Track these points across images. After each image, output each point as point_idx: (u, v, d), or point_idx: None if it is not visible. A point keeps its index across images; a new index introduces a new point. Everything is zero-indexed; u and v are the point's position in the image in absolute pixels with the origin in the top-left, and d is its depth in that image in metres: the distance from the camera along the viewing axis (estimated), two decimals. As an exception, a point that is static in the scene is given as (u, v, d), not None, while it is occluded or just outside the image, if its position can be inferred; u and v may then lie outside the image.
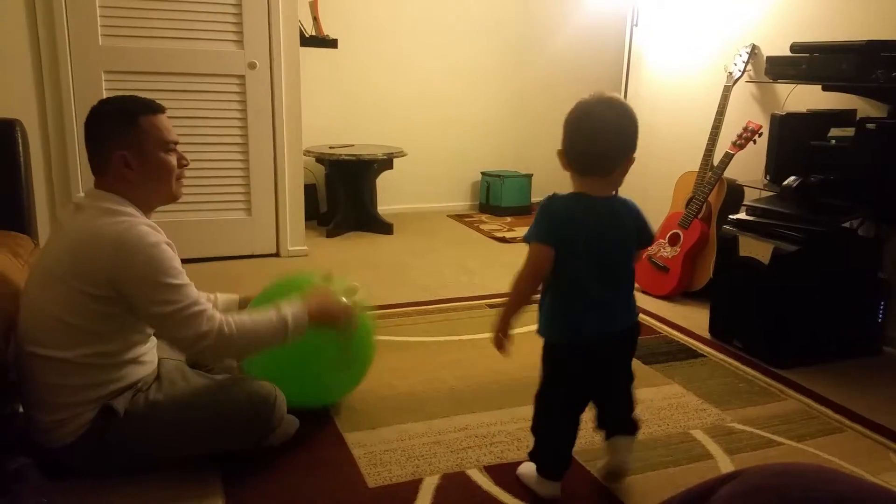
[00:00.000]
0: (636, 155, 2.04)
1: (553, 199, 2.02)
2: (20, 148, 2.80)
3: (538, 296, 2.13)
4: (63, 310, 1.98)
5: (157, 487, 2.10)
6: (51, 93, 3.98)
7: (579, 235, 2.00)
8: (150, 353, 2.22)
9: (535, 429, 2.19)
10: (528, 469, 2.21)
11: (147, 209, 2.15)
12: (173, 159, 2.15)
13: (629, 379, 2.24)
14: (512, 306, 2.07)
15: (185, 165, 2.21)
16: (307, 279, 2.51)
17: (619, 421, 2.22)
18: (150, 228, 2.03)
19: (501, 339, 2.08)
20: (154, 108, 2.12)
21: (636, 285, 4.10)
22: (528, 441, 2.40)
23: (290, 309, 2.14)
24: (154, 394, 2.14)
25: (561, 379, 2.12)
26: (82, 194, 2.11)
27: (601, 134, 1.98)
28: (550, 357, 2.13)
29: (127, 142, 2.05)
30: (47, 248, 2.08)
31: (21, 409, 2.16)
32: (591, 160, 2.00)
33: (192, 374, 2.30)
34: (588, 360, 2.08)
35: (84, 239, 1.98)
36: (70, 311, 1.98)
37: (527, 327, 3.40)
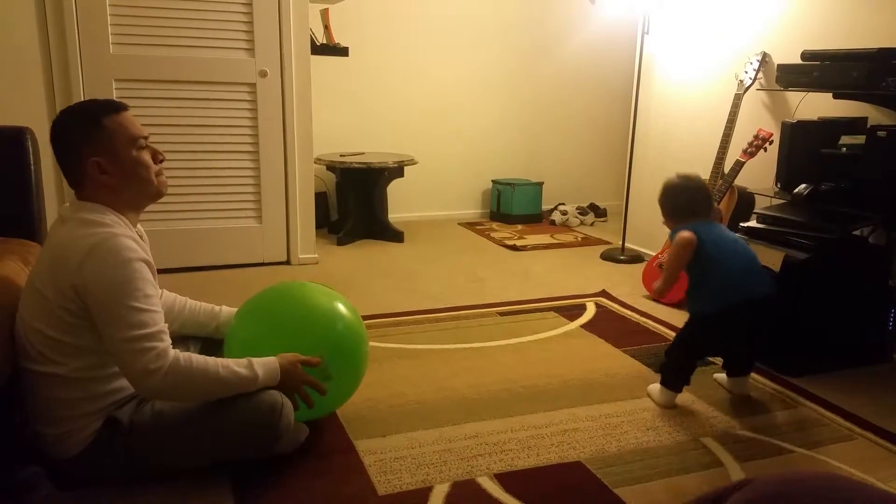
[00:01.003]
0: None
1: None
2: (30, 156, 2.81)
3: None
4: (48, 326, 1.95)
5: (167, 496, 2.10)
6: (61, 101, 4.01)
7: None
8: None
9: (670, 355, 2.82)
10: (653, 387, 2.87)
11: (134, 212, 2.10)
12: (147, 155, 2.07)
13: (763, 340, 2.97)
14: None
15: (162, 160, 2.13)
16: (298, 287, 2.47)
17: (741, 366, 2.89)
18: (130, 241, 1.96)
19: (664, 292, 2.84)
20: (117, 107, 2.04)
21: (646, 292, 4.12)
22: (539, 449, 2.42)
23: (263, 370, 2.09)
24: (160, 403, 2.11)
25: (703, 340, 2.81)
26: (67, 204, 2.05)
27: (692, 190, 2.81)
28: (699, 323, 2.79)
29: (96, 147, 1.98)
30: (35, 263, 2.05)
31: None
32: (697, 205, 2.79)
33: None
34: (729, 323, 2.73)
35: (61, 253, 1.93)
36: (54, 326, 1.95)
37: (536, 335, 3.41)
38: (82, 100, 1.99)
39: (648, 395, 2.86)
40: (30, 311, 1.99)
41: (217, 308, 2.54)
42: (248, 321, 2.39)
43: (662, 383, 2.81)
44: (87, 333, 1.97)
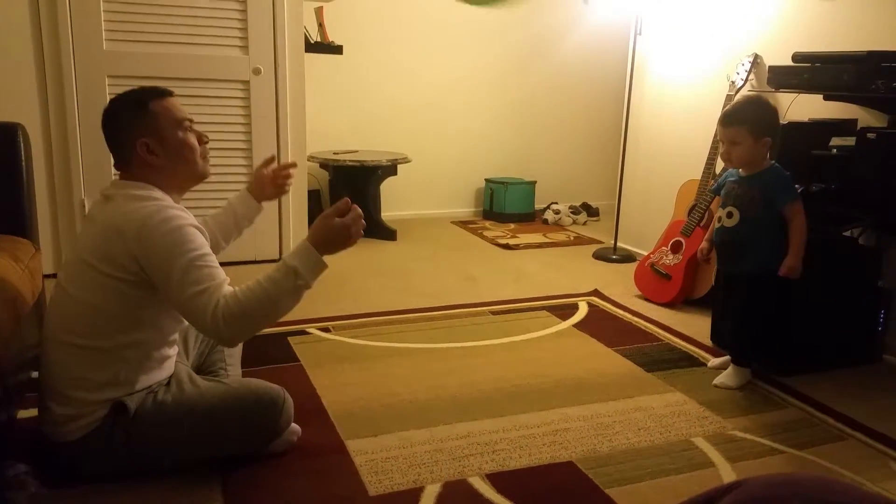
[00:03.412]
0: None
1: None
2: (22, 152, 2.80)
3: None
4: (97, 297, 2.02)
5: (155, 494, 2.09)
6: (54, 97, 3.99)
7: None
8: (172, 359, 2.24)
9: (751, 339, 3.00)
10: (726, 379, 2.99)
11: (177, 192, 2.19)
12: (192, 137, 2.18)
13: None
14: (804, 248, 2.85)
15: (206, 142, 2.25)
16: None
17: None
18: (179, 212, 2.05)
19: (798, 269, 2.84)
20: (163, 92, 2.16)
21: (638, 292, 4.13)
22: (531, 449, 2.42)
23: (296, 258, 2.10)
24: (162, 395, 2.13)
25: (772, 295, 2.95)
26: (110, 184, 2.15)
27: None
28: (774, 281, 2.88)
29: (144, 129, 2.09)
30: (79, 240, 2.12)
31: (24, 411, 2.17)
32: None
33: (199, 378, 2.29)
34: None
35: (114, 225, 2.01)
36: (104, 297, 2.01)
37: (528, 334, 3.41)
38: (130, 89, 2.18)
39: (720, 386, 2.96)
40: (74, 284, 2.05)
41: (228, 204, 2.72)
42: None
43: (738, 364, 3.00)
44: (143, 305, 2.05)
